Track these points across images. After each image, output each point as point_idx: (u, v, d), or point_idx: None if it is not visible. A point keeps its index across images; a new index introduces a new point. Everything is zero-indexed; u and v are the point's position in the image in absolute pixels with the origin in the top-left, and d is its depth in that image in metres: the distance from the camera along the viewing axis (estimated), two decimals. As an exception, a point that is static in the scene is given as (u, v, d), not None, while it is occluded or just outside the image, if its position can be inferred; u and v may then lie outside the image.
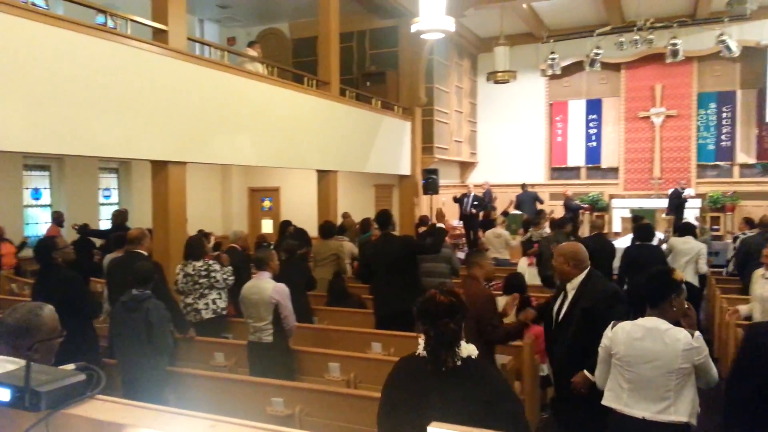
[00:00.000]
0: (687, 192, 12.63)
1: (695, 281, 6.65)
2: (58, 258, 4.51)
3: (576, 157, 15.69)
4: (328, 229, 7.57)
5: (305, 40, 13.40)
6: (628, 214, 12.68)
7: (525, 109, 15.94)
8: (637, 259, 6.27)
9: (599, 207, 14.51)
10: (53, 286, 4.29)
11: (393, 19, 12.42)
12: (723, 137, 14.36)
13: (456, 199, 13.28)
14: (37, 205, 10.50)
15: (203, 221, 11.76)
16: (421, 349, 2.24)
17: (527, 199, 13.75)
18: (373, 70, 13.16)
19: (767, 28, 12.76)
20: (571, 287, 3.53)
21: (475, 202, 13.17)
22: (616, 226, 13.36)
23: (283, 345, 4.53)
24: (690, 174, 14.41)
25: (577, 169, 15.76)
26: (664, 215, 12.93)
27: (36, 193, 10.48)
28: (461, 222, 13.64)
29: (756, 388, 2.41)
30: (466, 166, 16.56)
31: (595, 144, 15.51)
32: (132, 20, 6.24)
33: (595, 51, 12.50)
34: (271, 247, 7.14)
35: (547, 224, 8.85)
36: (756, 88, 13.89)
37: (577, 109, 15.66)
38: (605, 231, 10.48)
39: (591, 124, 15.53)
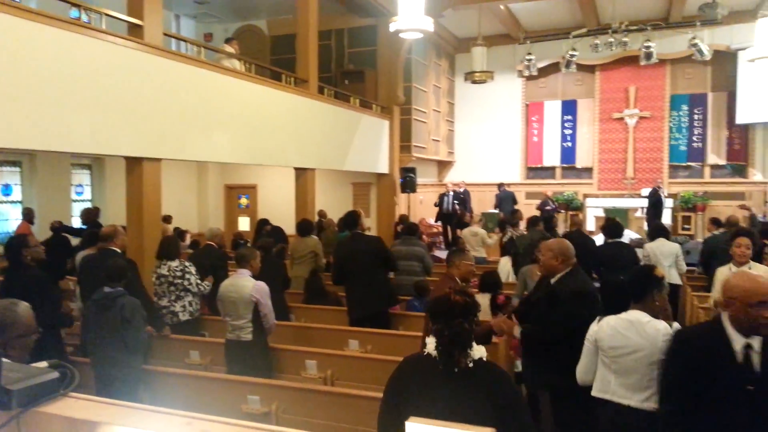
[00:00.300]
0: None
1: (678, 280, 6.77)
2: (28, 257, 4.43)
3: (551, 157, 15.89)
4: (305, 227, 7.56)
5: (283, 38, 13.33)
6: (601, 213, 12.89)
7: (502, 109, 16.09)
8: (609, 256, 6.39)
9: (574, 206, 14.73)
10: (21, 285, 4.20)
11: (372, 18, 12.42)
12: (694, 138, 14.67)
13: (437, 204, 13.41)
14: (7, 201, 10.27)
15: (179, 219, 11.62)
16: (431, 349, 2.21)
17: (507, 198, 13.91)
18: (351, 69, 13.15)
19: (737, 33, 13.06)
20: (554, 281, 3.64)
21: (455, 201, 13.29)
22: (590, 225, 13.56)
23: (262, 343, 4.51)
24: (662, 174, 14.70)
25: (552, 168, 15.97)
26: (637, 214, 13.17)
27: (6, 189, 10.25)
28: (439, 221, 13.73)
29: (690, 398, 2.40)
30: (443, 165, 16.65)
31: (570, 144, 15.73)
32: (107, 15, 6.13)
33: (570, 53, 12.65)
34: (248, 245, 7.11)
35: (523, 223, 8.96)
36: (726, 90, 14.22)
37: (552, 110, 15.86)
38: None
39: (566, 125, 15.74)
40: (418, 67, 13.81)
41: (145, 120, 6.51)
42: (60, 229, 8.40)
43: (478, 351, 2.19)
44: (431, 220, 14.30)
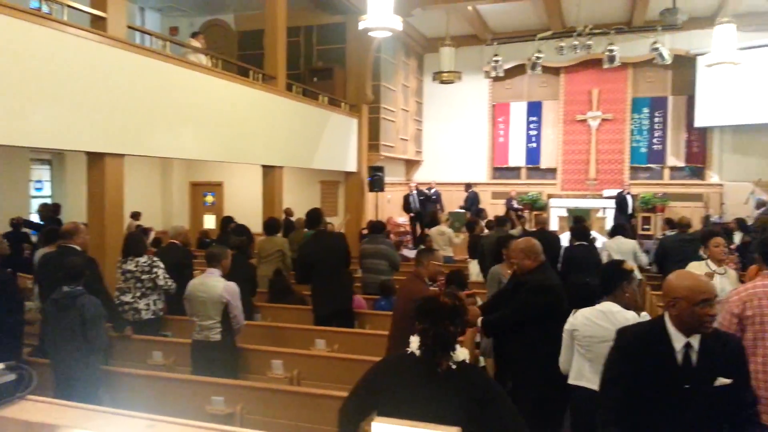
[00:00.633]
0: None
1: (638, 275, 6.95)
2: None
3: (517, 157, 16.13)
4: (273, 226, 7.51)
5: (251, 33, 13.19)
6: (565, 214, 13.13)
7: (469, 110, 16.26)
8: (575, 258, 6.54)
9: (538, 206, 14.97)
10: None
11: (341, 16, 12.40)
12: (655, 141, 15.08)
13: (405, 207, 13.52)
14: (-39, 197, 9.91)
15: (142, 216, 11.41)
16: (414, 348, 2.22)
17: (474, 198, 14.10)
18: (320, 66, 13.10)
19: (696, 38, 13.44)
20: (523, 276, 3.79)
21: (421, 197, 13.39)
22: (554, 225, 13.81)
23: (230, 343, 4.46)
24: (623, 176, 15.06)
25: (517, 169, 16.20)
26: (599, 215, 13.46)
27: (-40, 185, 9.89)
28: (408, 220, 13.82)
29: (628, 395, 2.42)
30: (411, 164, 16.73)
31: (535, 145, 15.98)
32: (69, 6, 5.97)
33: (536, 55, 12.84)
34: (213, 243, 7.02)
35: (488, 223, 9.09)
36: (686, 94, 14.64)
37: (518, 111, 16.09)
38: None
39: (531, 126, 15.99)
40: (387, 66, 13.84)
41: (108, 114, 6.37)
42: (21, 224, 8.17)
43: (462, 353, 2.21)
44: (400, 219, 14.37)
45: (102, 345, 4.06)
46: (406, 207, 13.51)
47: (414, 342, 2.23)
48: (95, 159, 6.42)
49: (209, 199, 14.01)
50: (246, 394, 3.76)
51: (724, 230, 7.13)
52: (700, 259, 5.00)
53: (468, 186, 14.52)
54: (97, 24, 6.35)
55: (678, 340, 2.38)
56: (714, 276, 4.59)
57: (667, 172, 15.05)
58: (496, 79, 15.10)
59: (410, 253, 9.86)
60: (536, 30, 13.82)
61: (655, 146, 15.06)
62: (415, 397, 2.14)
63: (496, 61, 13.45)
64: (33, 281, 5.69)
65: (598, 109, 15.30)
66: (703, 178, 14.73)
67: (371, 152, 13.28)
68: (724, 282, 4.60)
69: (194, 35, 9.80)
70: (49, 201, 10.61)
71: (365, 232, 8.82)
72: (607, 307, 3.12)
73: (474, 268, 7.62)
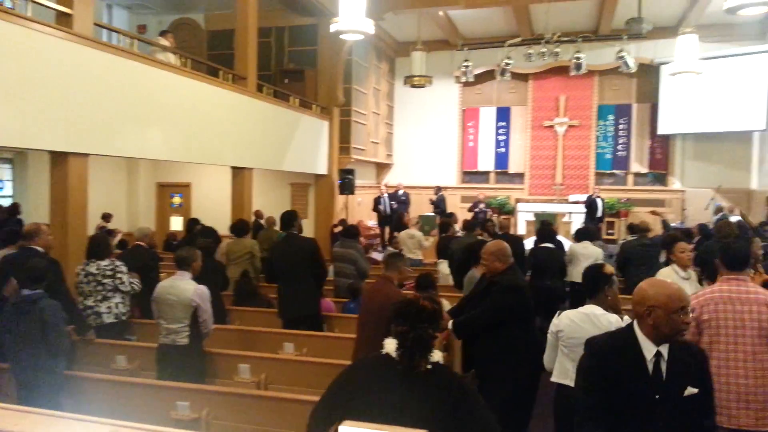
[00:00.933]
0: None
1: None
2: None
3: (486, 161, 16.33)
4: (242, 228, 7.44)
5: (221, 33, 13.06)
6: (532, 218, 13.34)
7: (439, 114, 16.40)
8: (539, 260, 6.65)
9: (506, 210, 15.18)
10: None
11: (312, 18, 12.36)
12: (619, 147, 15.44)
13: (375, 208, 13.54)
14: None
15: (112, 218, 11.19)
16: (391, 350, 2.23)
17: (443, 202, 14.23)
18: (291, 68, 13.04)
19: (660, 47, 13.83)
20: (492, 278, 3.90)
21: (392, 201, 13.44)
22: (521, 229, 14.02)
23: (197, 348, 4.40)
24: (589, 181, 15.38)
25: (486, 173, 16.41)
26: (565, 219, 13.70)
27: None
28: (378, 224, 13.85)
29: (601, 406, 2.38)
30: (382, 168, 16.77)
31: (503, 150, 16.20)
32: (33, 1, 5.83)
33: (505, 61, 13.01)
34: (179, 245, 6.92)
35: (458, 226, 9.17)
36: (650, 102, 15.05)
37: (487, 116, 16.29)
38: (511, 232, 11.02)
39: (500, 131, 16.21)
40: (358, 68, 13.86)
41: (73, 113, 6.23)
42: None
43: (437, 355, 2.25)
44: (370, 222, 14.38)
45: (63, 349, 3.97)
46: (377, 210, 13.55)
47: (390, 344, 2.24)
48: (58, 158, 6.28)
49: (176, 200, 13.80)
50: (212, 399, 3.72)
51: (685, 234, 7.32)
52: (660, 263, 5.13)
53: (438, 189, 14.67)
54: (63, 20, 6.21)
55: (648, 350, 2.35)
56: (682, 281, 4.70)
57: (630, 178, 15.42)
58: (466, 84, 15.28)
59: (379, 257, 9.89)
60: (506, 36, 14.03)
61: (619, 152, 15.43)
62: (391, 398, 2.16)
63: (467, 67, 13.59)
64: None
65: (565, 115, 15.60)
66: (665, 184, 15.15)
67: (342, 155, 13.27)
68: (689, 287, 4.73)
69: (163, 34, 9.65)
70: (12, 201, 10.33)
71: (337, 230, 8.81)
72: (591, 309, 3.23)
73: (444, 269, 7.68)
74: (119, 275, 5.16)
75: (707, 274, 5.47)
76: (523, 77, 15.66)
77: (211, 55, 12.58)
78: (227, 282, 6.43)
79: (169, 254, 8.89)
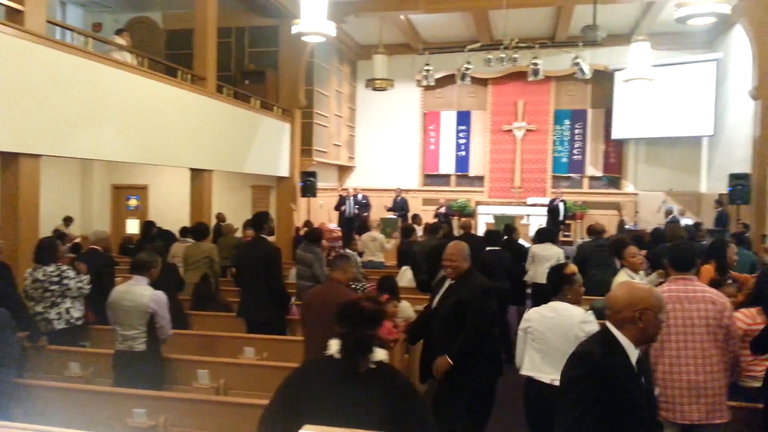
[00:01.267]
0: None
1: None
2: None
3: (447, 165, 16.51)
4: (201, 231, 7.32)
5: (180, 33, 12.82)
6: (491, 220, 13.54)
7: (401, 117, 16.51)
8: (487, 263, 6.69)
9: (466, 213, 15.37)
10: None
11: (274, 19, 12.28)
12: (575, 151, 15.83)
13: (337, 207, 13.51)
14: None
15: (59, 220, 10.87)
16: (334, 351, 2.25)
17: (403, 204, 14.30)
18: (252, 69, 12.91)
19: (615, 54, 14.25)
20: (455, 282, 3.91)
21: (357, 206, 13.45)
22: (481, 231, 14.20)
23: (155, 354, 4.30)
24: (546, 184, 15.72)
25: (447, 176, 16.59)
26: (523, 221, 13.96)
27: None
28: (340, 226, 13.82)
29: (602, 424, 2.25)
30: (344, 170, 16.76)
31: (464, 153, 16.41)
32: (-20, -3, 5.64)
33: (465, 66, 13.17)
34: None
35: (420, 229, 9.25)
36: (604, 108, 15.49)
37: (448, 120, 16.48)
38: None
39: (461, 135, 16.42)
40: (320, 71, 13.82)
41: (24, 113, 6.04)
42: None
43: (380, 353, 2.27)
44: (332, 225, 14.33)
45: (13, 356, 3.84)
46: (340, 213, 13.53)
47: (334, 345, 2.27)
48: (8, 159, 6.07)
49: (133, 202, 13.47)
50: (169, 405, 3.66)
51: (636, 237, 7.54)
52: (613, 264, 5.27)
53: (398, 192, 14.77)
54: (14, 17, 6.01)
55: (633, 355, 2.30)
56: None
57: (586, 182, 15.83)
58: (428, 87, 15.37)
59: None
60: (466, 42, 14.20)
61: (575, 156, 15.82)
62: (336, 399, 2.18)
63: (428, 71, 13.69)
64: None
65: (523, 119, 15.90)
66: (619, 187, 15.61)
67: (304, 157, 13.22)
68: None
69: (119, 32, 9.45)
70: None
71: (301, 233, 8.74)
72: (557, 305, 3.51)
73: (406, 274, 7.72)
74: (65, 281, 5.00)
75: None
76: (482, 82, 15.90)
77: (169, 55, 12.33)
78: (182, 283, 6.31)
79: (125, 258, 8.69)
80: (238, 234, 9.54)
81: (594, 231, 7.49)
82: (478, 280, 3.93)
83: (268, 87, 12.45)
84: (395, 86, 13.95)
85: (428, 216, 13.71)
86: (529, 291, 7.93)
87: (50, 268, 4.99)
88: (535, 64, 12.48)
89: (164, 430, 3.57)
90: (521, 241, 9.01)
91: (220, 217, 10.39)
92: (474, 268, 4.05)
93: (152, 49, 11.85)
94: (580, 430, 2.18)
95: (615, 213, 15.04)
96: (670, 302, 3.29)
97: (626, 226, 11.43)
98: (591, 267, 6.85)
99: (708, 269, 5.20)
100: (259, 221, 5.77)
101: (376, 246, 9.53)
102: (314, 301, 3.93)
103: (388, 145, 16.60)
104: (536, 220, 13.77)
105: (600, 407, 2.17)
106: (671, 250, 3.56)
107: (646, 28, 13.01)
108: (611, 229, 10.43)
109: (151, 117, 8.20)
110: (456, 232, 13.20)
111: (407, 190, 15.30)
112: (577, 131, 15.77)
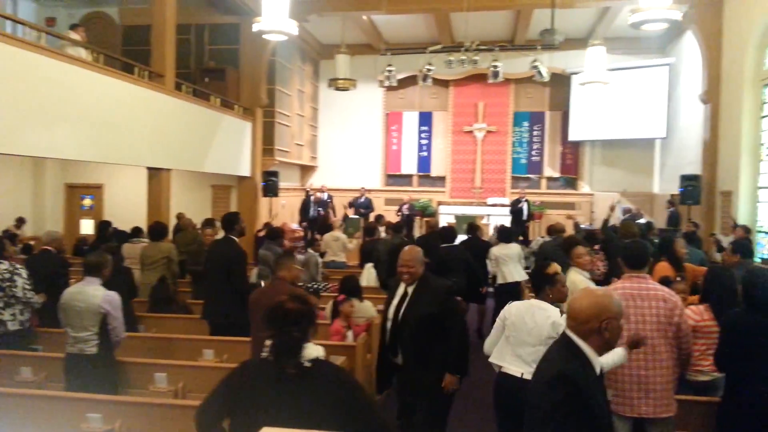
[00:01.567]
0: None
1: (523, 278, 7.29)
2: None
3: (409, 165, 16.61)
4: (159, 231, 7.18)
5: (137, 28, 12.52)
6: (453, 220, 13.67)
7: (364, 117, 16.52)
8: (443, 260, 6.76)
9: (428, 213, 15.47)
10: None
11: (234, 16, 12.14)
12: (534, 153, 16.14)
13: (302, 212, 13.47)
14: None
15: (10, 220, 10.50)
16: (266, 354, 2.23)
17: (368, 204, 14.33)
18: (212, 66, 12.71)
19: (572, 58, 14.58)
20: (413, 285, 3.84)
21: (319, 208, 13.42)
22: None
23: (108, 357, 4.20)
24: (505, 185, 15.98)
25: (410, 176, 16.69)
26: (484, 221, 14.14)
27: None
28: (303, 226, 13.74)
29: None
30: (306, 170, 16.68)
31: (426, 154, 16.55)
32: None
33: (427, 67, 13.27)
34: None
35: (383, 230, 9.28)
36: (561, 110, 15.84)
37: (410, 121, 16.58)
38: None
39: (423, 135, 16.54)
40: (282, 69, 13.72)
41: (-30, 110, 5.82)
42: None
43: (315, 350, 2.23)
44: (294, 225, 14.23)
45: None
46: (304, 213, 13.45)
47: (268, 346, 2.26)
48: (-46, 158, 5.84)
49: (87, 202, 13.11)
50: (125, 409, 3.58)
51: (588, 236, 7.69)
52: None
53: (362, 192, 14.78)
54: (-41, 10, 5.79)
55: (597, 365, 2.27)
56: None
57: (544, 182, 16.16)
58: (390, 88, 15.42)
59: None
60: (427, 43, 14.30)
61: (533, 158, 16.13)
62: (269, 400, 2.16)
63: (390, 71, 13.74)
64: None
65: (484, 121, 16.12)
66: (575, 188, 15.99)
67: (266, 157, 13.10)
68: None
69: (73, 27, 9.18)
70: None
71: (261, 234, 8.66)
72: (536, 303, 3.60)
73: (370, 273, 7.73)
74: (15, 278, 4.82)
75: (616, 273, 5.78)
76: (444, 83, 16.06)
77: (126, 51, 12.04)
78: (135, 289, 6.15)
79: (79, 259, 8.44)
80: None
81: (554, 230, 7.66)
82: (437, 282, 3.91)
83: (229, 85, 12.29)
84: (358, 86, 13.94)
85: (391, 215, 13.75)
86: (491, 290, 8.02)
87: (2, 266, 4.81)
88: (495, 67, 12.66)
89: (121, 435, 3.50)
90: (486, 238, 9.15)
91: (181, 217, 10.20)
92: (432, 263, 4.10)
93: (108, 45, 11.57)
94: None
95: (572, 213, 15.37)
96: (623, 299, 3.39)
97: (581, 226, 11.72)
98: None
99: (663, 266, 5.32)
100: (230, 222, 5.63)
101: (339, 246, 9.50)
102: (261, 299, 3.90)
103: (350, 145, 16.59)
104: (496, 219, 13.96)
105: (578, 425, 2.10)
106: (626, 248, 3.67)
107: (602, 32, 13.38)
108: (569, 229, 10.68)
109: (106, 114, 8.00)
110: (418, 232, 13.34)
111: (369, 190, 15.32)
112: (535, 133, 16.08)
